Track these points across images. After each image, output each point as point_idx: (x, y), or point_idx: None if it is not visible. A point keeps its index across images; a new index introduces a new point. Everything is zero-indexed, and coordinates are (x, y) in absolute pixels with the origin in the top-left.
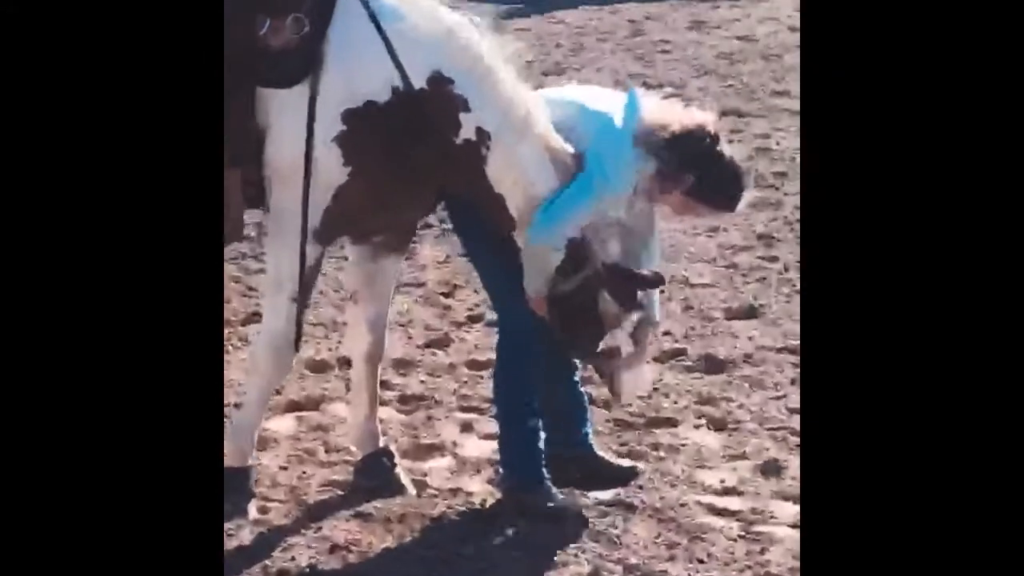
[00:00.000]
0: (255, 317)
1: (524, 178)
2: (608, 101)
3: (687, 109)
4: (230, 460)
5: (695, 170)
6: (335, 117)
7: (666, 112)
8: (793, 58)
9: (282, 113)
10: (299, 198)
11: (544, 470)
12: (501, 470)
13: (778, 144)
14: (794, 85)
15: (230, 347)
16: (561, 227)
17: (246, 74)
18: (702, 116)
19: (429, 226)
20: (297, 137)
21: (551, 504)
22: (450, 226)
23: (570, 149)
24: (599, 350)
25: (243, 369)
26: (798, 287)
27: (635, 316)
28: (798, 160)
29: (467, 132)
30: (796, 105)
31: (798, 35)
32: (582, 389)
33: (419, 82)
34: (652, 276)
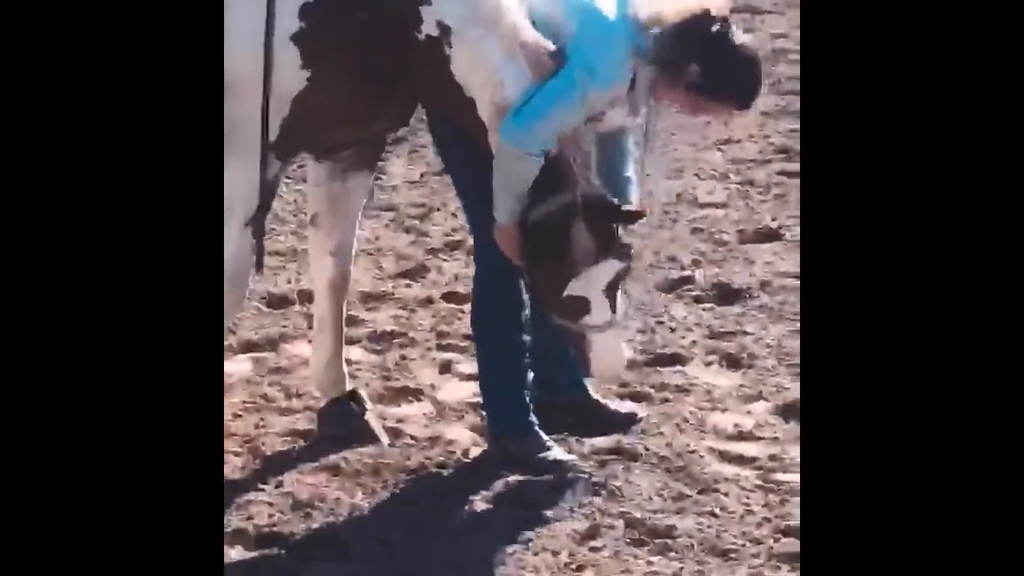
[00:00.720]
0: None
1: (492, 77)
2: None
3: None
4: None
5: (700, 60)
6: (292, 12)
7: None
8: None
9: (233, 6)
10: (255, 108)
11: (533, 416)
12: (484, 416)
13: (796, 44)
14: None
15: None
16: (538, 127)
17: None
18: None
19: (402, 140)
20: (252, 36)
21: (541, 454)
22: (424, 141)
23: (549, 44)
24: (563, 297)
25: None
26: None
27: (610, 263)
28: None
29: (428, 27)
30: None
31: None
32: None
33: None
34: (636, 211)
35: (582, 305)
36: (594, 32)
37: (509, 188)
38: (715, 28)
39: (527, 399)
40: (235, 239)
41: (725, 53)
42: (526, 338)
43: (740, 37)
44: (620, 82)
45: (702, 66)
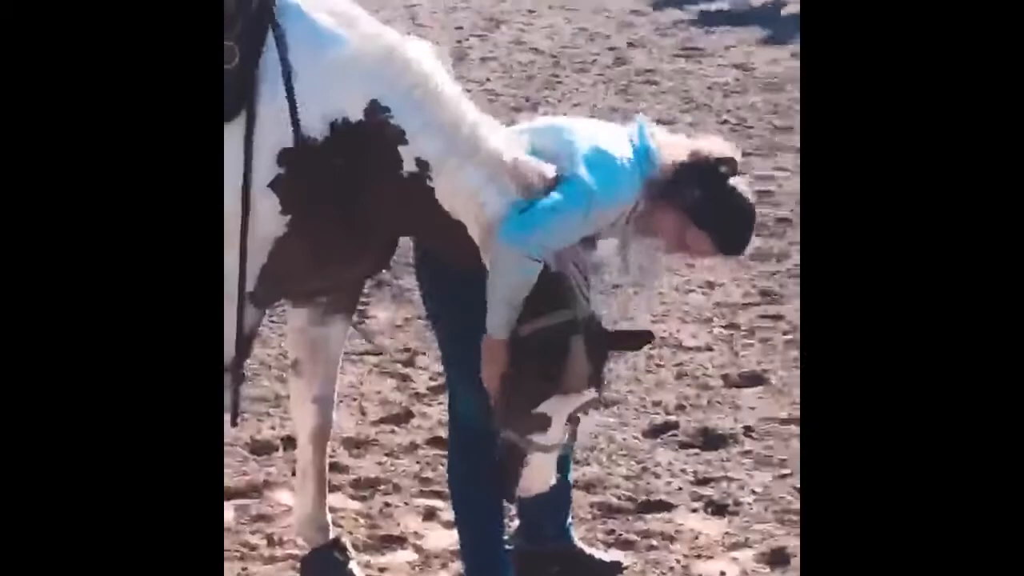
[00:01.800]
0: None
1: (474, 200)
2: (601, 128)
3: (705, 138)
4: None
5: (699, 192)
6: (271, 159)
7: (677, 140)
8: (796, 90)
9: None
10: (234, 255)
11: (511, 572)
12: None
13: (780, 187)
14: (797, 119)
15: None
16: (539, 230)
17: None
18: (720, 146)
19: (386, 285)
20: (230, 182)
21: None
22: (408, 284)
23: (544, 165)
24: (532, 413)
25: None
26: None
27: (590, 392)
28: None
29: (408, 165)
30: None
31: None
32: (569, 478)
33: (357, 114)
34: (643, 333)
35: (543, 423)
36: (603, 153)
37: (505, 297)
38: (722, 169)
39: (504, 555)
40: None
41: (724, 194)
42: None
43: (742, 185)
44: (626, 201)
45: (700, 200)
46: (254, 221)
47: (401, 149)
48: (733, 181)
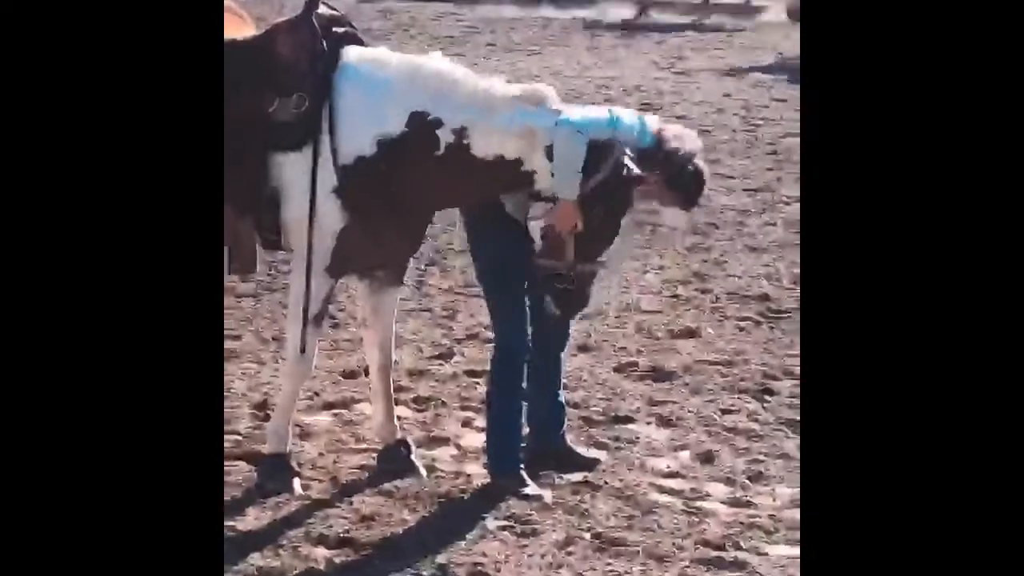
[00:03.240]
0: None
1: (513, 129)
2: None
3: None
4: (271, 448)
5: (673, 166)
6: (335, 171)
7: (664, 126)
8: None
9: (292, 172)
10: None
11: (520, 463)
12: (488, 461)
13: (710, 201)
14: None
15: (280, 357)
16: (583, 122)
17: (259, 140)
18: (689, 133)
19: (435, 263)
20: (304, 192)
21: (523, 489)
22: (452, 263)
23: (547, 89)
24: (603, 241)
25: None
26: (727, 313)
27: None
28: (725, 214)
29: (446, 138)
30: (723, 170)
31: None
32: (561, 399)
33: (399, 127)
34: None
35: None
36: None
37: (567, 167)
38: (691, 151)
39: (518, 452)
40: (299, 332)
41: (691, 167)
42: (524, 404)
43: (702, 164)
44: (629, 143)
45: (676, 169)
46: (324, 217)
47: (438, 132)
48: (696, 160)
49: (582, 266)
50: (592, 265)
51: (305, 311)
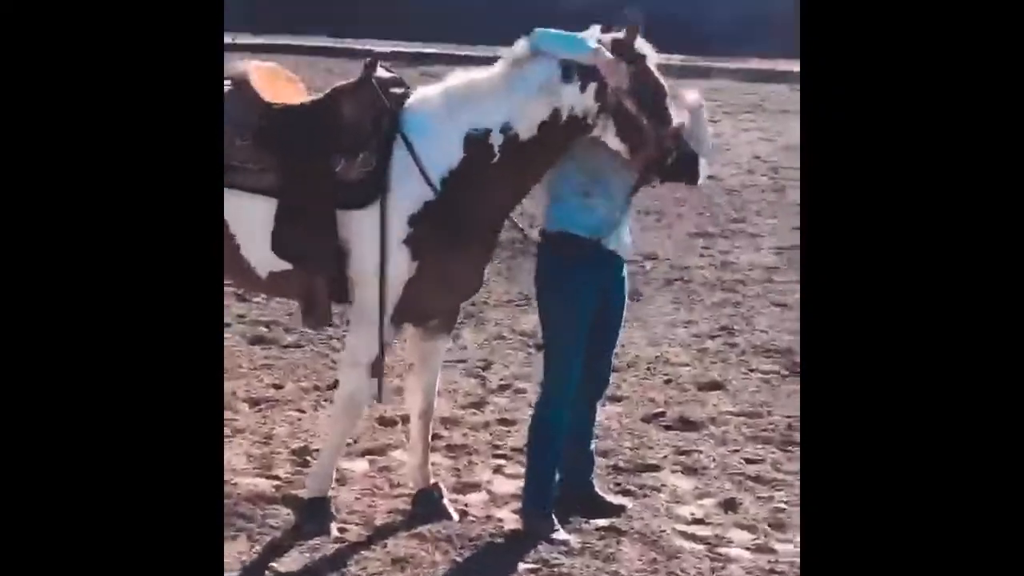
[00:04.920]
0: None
1: (533, 94)
2: None
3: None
4: (312, 492)
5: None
6: (403, 222)
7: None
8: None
9: (360, 228)
10: (375, 293)
11: (551, 509)
12: (522, 502)
13: (737, 259)
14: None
15: (320, 405)
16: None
17: (327, 199)
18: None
19: (471, 317)
20: (374, 246)
21: (552, 534)
22: (487, 316)
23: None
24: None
25: (326, 421)
26: (751, 366)
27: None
28: (754, 271)
29: (497, 141)
30: (751, 228)
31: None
32: (592, 448)
33: (459, 155)
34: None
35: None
36: None
37: (573, 46)
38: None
39: (553, 495)
40: (355, 380)
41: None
42: (559, 453)
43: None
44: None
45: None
46: (393, 268)
47: (491, 141)
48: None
49: (659, 136)
50: (666, 127)
51: (375, 360)
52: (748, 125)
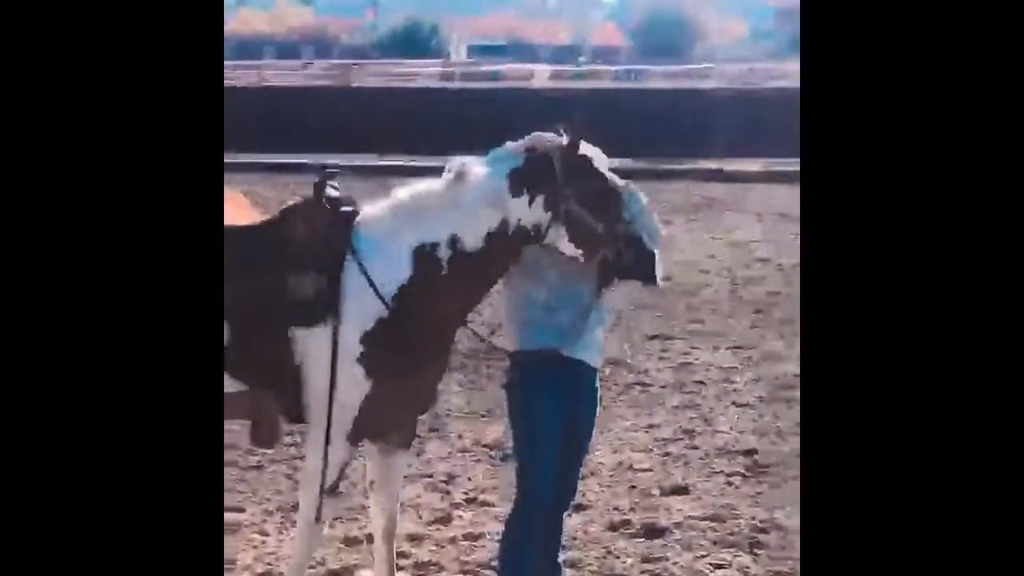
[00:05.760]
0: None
1: (480, 207)
2: None
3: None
4: None
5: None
6: (356, 340)
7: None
8: (709, 293)
9: (313, 346)
10: (324, 413)
11: None
12: None
13: (696, 360)
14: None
15: (284, 528)
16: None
17: (278, 318)
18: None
19: (435, 430)
20: (326, 364)
21: None
22: (451, 430)
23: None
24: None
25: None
26: (715, 467)
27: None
28: (711, 371)
29: (445, 255)
30: (709, 328)
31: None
32: (560, 559)
33: (408, 271)
34: None
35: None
36: None
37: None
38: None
39: None
40: (313, 502)
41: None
42: (530, 566)
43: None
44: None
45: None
46: (348, 386)
47: (438, 254)
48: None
49: (612, 236)
50: (621, 227)
51: (323, 481)
52: (699, 225)
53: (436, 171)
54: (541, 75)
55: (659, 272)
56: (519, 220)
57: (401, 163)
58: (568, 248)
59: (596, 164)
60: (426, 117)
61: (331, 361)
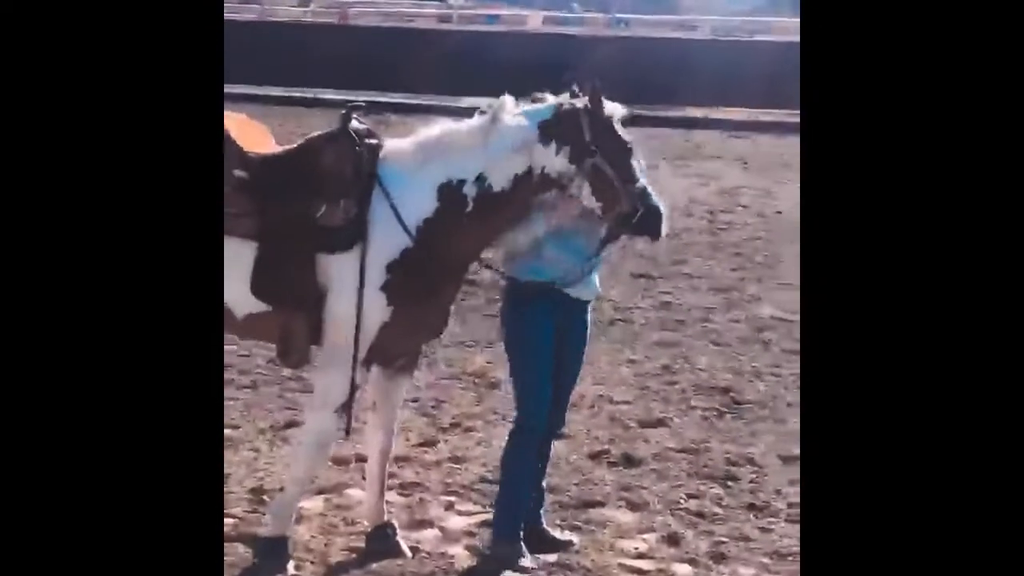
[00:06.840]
0: (293, 424)
1: (511, 150)
2: None
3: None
4: (272, 531)
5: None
6: (381, 269)
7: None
8: (691, 236)
9: (339, 273)
10: (349, 336)
11: (520, 536)
12: (493, 528)
13: (678, 300)
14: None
15: (275, 444)
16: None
17: (309, 243)
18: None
19: (423, 356)
20: (351, 290)
21: (522, 561)
22: (439, 356)
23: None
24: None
25: (284, 462)
26: (692, 403)
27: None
28: (692, 312)
29: (471, 193)
30: (690, 270)
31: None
32: (544, 484)
33: (433, 204)
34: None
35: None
36: None
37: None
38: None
39: (523, 521)
40: (323, 421)
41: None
42: (529, 482)
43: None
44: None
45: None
46: (370, 312)
47: (464, 191)
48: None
49: (630, 193)
50: (638, 185)
51: (351, 401)
52: (685, 171)
53: (436, 110)
54: (535, 20)
55: (664, 229)
56: (543, 168)
57: (402, 100)
58: (589, 201)
59: (615, 121)
60: (425, 58)
61: (358, 287)
